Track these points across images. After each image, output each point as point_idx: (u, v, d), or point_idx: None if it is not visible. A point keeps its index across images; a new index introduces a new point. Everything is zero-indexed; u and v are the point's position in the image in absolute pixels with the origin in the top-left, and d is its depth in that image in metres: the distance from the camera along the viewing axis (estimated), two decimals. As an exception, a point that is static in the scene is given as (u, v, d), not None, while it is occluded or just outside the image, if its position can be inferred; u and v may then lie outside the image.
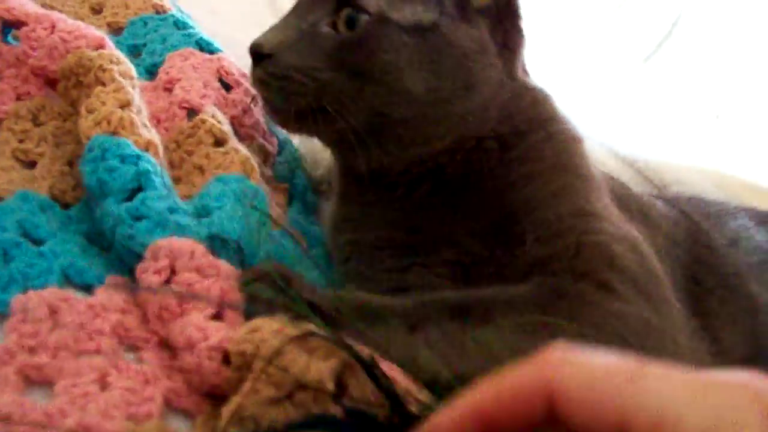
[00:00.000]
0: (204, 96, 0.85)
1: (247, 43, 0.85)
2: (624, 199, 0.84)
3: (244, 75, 0.92)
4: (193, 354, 0.57)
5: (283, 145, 0.93)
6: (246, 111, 0.88)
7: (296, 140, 0.97)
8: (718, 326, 0.81)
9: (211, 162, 0.76)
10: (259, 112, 0.91)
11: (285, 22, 0.78)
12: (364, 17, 0.75)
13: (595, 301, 0.67)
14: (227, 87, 0.90)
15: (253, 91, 0.88)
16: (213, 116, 0.81)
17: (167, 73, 0.90)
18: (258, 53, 0.76)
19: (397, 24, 0.75)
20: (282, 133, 0.94)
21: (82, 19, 1.00)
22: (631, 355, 0.36)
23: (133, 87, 0.77)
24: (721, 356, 0.77)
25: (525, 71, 0.86)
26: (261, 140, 0.89)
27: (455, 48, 0.76)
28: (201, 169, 0.77)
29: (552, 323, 0.65)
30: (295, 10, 0.79)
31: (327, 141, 0.83)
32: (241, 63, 0.97)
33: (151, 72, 0.92)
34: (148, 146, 0.72)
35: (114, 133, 0.71)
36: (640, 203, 0.87)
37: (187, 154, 0.79)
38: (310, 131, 0.80)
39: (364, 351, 0.54)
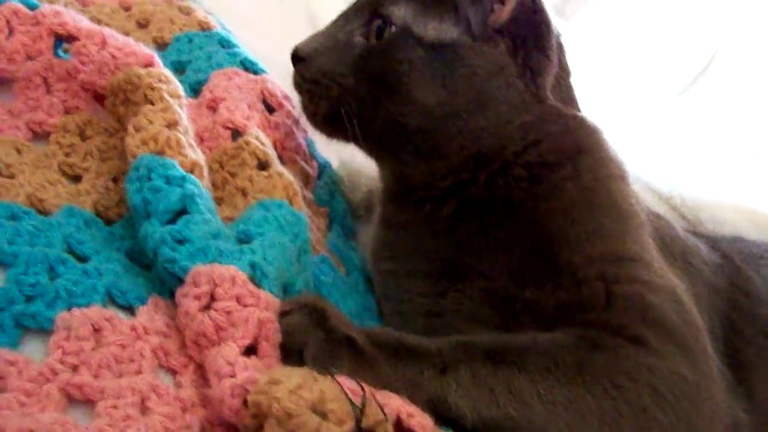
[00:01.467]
0: (248, 117, 0.85)
1: (288, 63, 0.87)
2: (668, 240, 0.84)
3: (287, 97, 0.93)
4: (218, 388, 0.57)
5: (323, 168, 0.94)
6: (288, 134, 0.88)
7: (336, 163, 0.98)
8: (755, 380, 0.80)
9: (254, 185, 0.77)
10: (301, 136, 0.91)
11: (324, 31, 0.85)
12: (392, 29, 0.80)
13: (629, 356, 0.67)
14: (270, 109, 0.91)
15: (296, 114, 0.90)
16: (257, 138, 0.82)
17: (211, 91, 0.90)
18: (295, 56, 0.84)
19: (417, 37, 0.79)
20: (322, 156, 0.95)
21: (127, 34, 1.02)
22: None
23: (181, 106, 0.77)
24: (756, 412, 0.76)
25: (569, 99, 0.86)
26: (302, 163, 0.90)
27: (467, 66, 0.79)
28: (244, 192, 0.77)
29: (585, 376, 0.65)
30: (336, 21, 0.86)
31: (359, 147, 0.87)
32: (282, 82, 0.98)
33: (195, 89, 0.93)
34: (193, 167, 0.73)
35: (160, 152, 0.72)
36: (684, 246, 0.86)
37: (230, 176, 0.80)
38: (342, 136, 0.83)
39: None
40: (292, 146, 0.89)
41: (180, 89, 0.81)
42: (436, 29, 0.80)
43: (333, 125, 0.83)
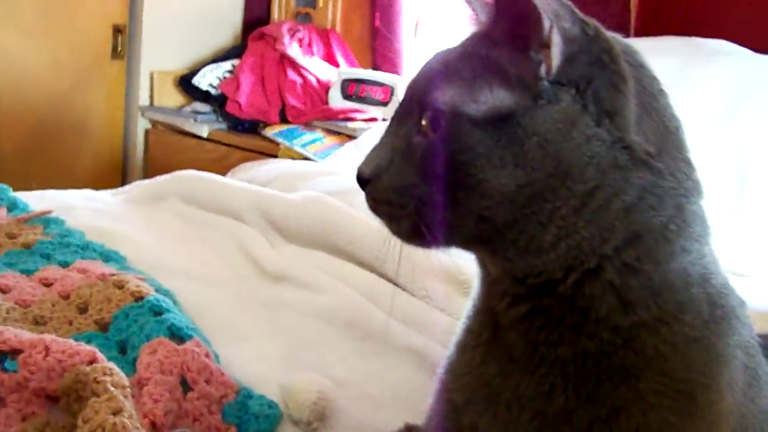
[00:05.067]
0: (167, 412, 0.93)
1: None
2: None
3: (204, 369, 1.03)
4: None
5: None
6: (197, 418, 0.97)
7: (276, 392, 1.05)
8: None
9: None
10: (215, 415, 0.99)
11: (381, 142, 0.76)
12: (443, 116, 0.69)
13: None
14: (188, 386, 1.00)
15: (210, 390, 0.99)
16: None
17: (137, 370, 0.99)
18: (360, 179, 0.75)
19: (471, 117, 0.67)
20: (245, 412, 1.02)
21: (71, 321, 1.12)
22: None
23: (125, 396, 0.86)
24: None
25: (681, 160, 0.70)
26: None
27: (534, 134, 0.66)
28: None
29: None
30: (389, 127, 0.76)
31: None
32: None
33: (132, 365, 1.02)
34: (140, 448, 0.81)
35: (109, 438, 0.80)
36: None
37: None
38: (437, 245, 0.74)
39: None
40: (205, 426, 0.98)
41: (125, 379, 0.90)
42: (488, 101, 0.67)
43: (422, 238, 0.72)
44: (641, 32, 2.53)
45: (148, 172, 3.27)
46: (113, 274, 1.26)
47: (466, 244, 0.73)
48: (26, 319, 1.11)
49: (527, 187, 0.66)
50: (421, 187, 0.70)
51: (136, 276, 1.28)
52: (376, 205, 0.74)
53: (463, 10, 0.78)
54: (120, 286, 1.20)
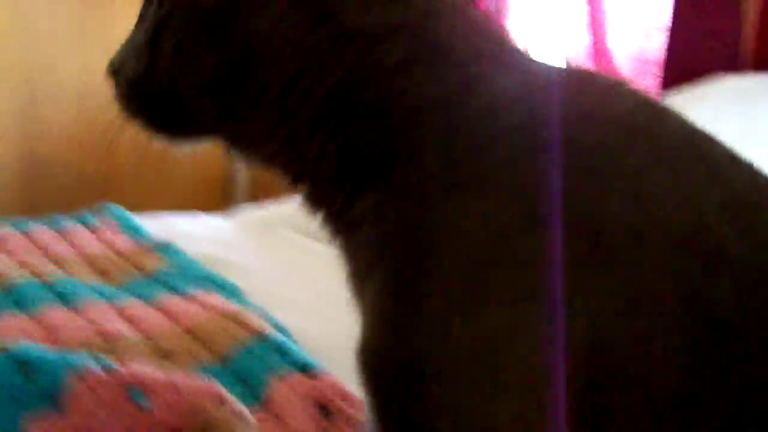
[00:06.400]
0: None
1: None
2: None
3: (345, 397, 1.00)
4: None
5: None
6: None
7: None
8: None
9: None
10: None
11: (134, 29, 0.69)
12: None
13: None
14: (328, 412, 0.99)
15: (359, 416, 0.96)
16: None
17: (270, 400, 0.99)
18: (109, 72, 0.69)
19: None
20: None
21: (194, 355, 1.13)
22: None
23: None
24: None
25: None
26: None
27: (222, 13, 0.60)
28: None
29: None
30: (142, 11, 0.69)
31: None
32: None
33: (258, 398, 1.02)
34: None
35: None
36: None
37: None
38: (185, 141, 0.70)
39: None
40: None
41: (251, 417, 0.90)
42: None
43: (165, 135, 0.68)
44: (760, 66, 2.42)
45: (254, 188, 3.20)
46: (233, 310, 1.27)
47: (205, 136, 0.68)
48: (152, 352, 1.13)
49: (224, 73, 0.60)
50: (153, 78, 0.64)
51: (254, 311, 1.28)
52: (120, 101, 0.67)
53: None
54: (241, 322, 1.21)
